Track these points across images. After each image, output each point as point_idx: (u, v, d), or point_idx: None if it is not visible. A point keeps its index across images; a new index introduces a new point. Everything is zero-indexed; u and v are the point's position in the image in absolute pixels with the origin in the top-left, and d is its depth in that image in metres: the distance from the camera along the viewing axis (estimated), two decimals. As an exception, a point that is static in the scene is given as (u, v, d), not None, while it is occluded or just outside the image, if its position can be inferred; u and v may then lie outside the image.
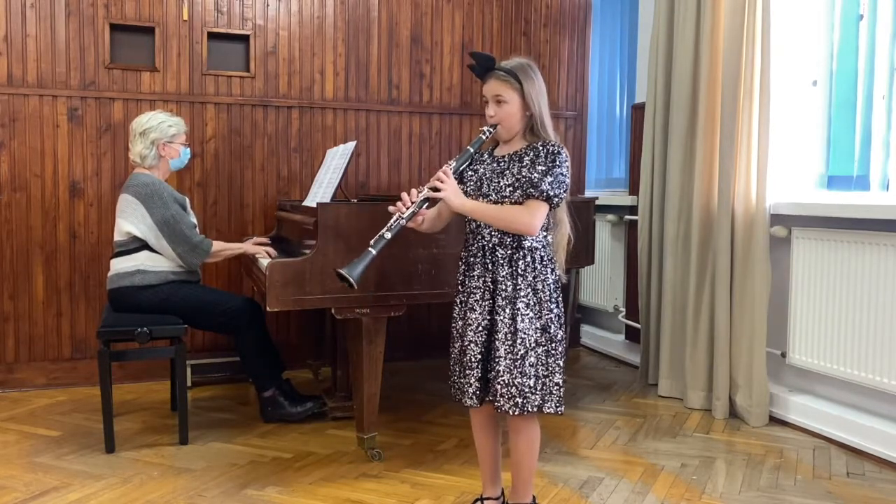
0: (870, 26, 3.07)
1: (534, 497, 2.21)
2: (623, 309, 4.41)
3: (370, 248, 1.98)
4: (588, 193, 4.70)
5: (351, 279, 1.94)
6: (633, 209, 4.18)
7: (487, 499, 2.26)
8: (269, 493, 2.48)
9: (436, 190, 2.00)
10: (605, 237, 4.52)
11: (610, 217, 4.46)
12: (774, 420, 3.23)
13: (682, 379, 3.54)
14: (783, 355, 3.25)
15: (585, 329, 4.77)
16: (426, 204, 2.04)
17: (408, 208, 2.01)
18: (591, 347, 4.66)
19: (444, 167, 2.04)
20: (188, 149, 3.23)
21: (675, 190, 3.55)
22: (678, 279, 3.55)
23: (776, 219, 3.24)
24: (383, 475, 2.64)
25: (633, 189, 4.23)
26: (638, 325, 3.97)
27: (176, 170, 3.25)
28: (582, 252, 3.40)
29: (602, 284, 4.61)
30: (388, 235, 1.98)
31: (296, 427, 3.12)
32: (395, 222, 2.00)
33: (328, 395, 3.32)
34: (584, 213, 3.44)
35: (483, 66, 2.08)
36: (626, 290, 4.37)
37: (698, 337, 3.43)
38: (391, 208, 2.06)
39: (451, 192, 2.01)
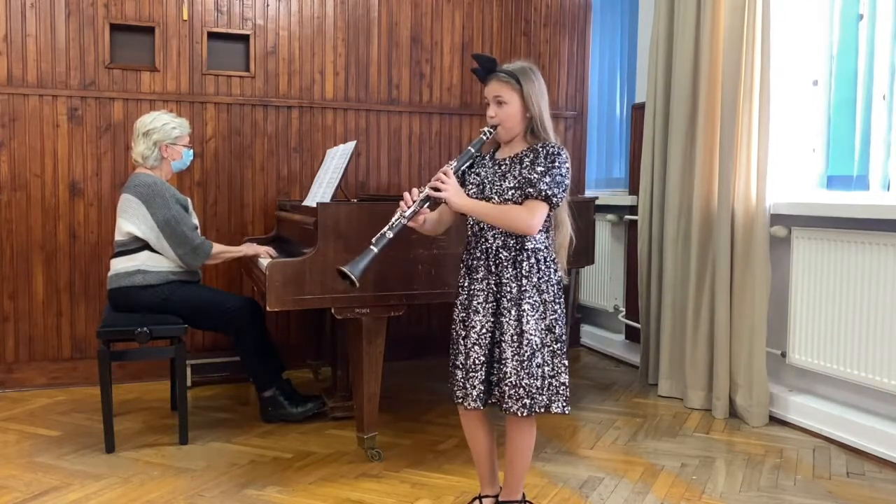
0: (870, 26, 3.07)
1: (523, 494, 2.23)
2: (623, 309, 4.41)
3: (372, 247, 2.00)
4: (588, 193, 4.70)
5: (353, 276, 1.96)
6: (633, 209, 4.18)
7: (486, 497, 2.26)
8: (269, 493, 2.48)
9: (436, 190, 2.01)
10: (605, 237, 4.52)
11: (610, 217, 4.46)
12: (774, 420, 3.23)
13: (682, 379, 3.54)
14: (783, 355, 3.25)
15: (585, 329, 4.77)
16: (427, 203, 2.05)
17: (409, 207, 2.03)
18: (591, 347, 4.66)
19: (444, 167, 2.06)
20: (191, 150, 3.23)
21: (675, 190, 3.55)
22: (678, 279, 3.55)
23: (776, 219, 3.24)
24: (383, 475, 2.64)
25: (633, 189, 4.23)
26: (638, 325, 3.97)
27: (178, 171, 3.25)
28: (582, 252, 3.40)
29: (602, 284, 4.61)
30: (390, 234, 2.00)
31: (296, 427, 3.12)
32: (396, 221, 2.02)
33: (328, 395, 3.32)
34: (584, 213, 3.44)
35: (485, 68, 2.10)
36: (626, 290, 4.37)
37: (698, 337, 3.43)
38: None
39: (453, 192, 2.02)
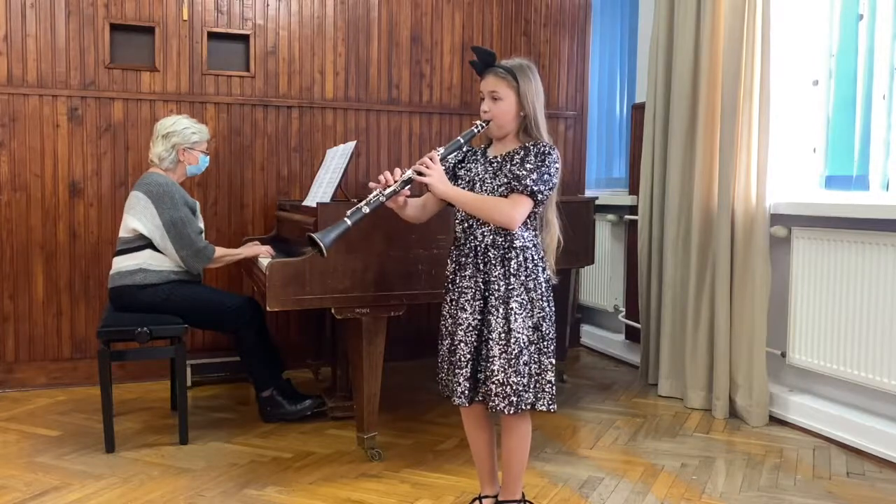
0: (870, 26, 3.07)
1: (523, 494, 2.23)
2: (623, 309, 4.41)
3: (346, 219, 1.99)
4: (588, 193, 4.70)
5: (322, 245, 1.95)
6: (633, 209, 4.18)
7: (486, 497, 2.27)
8: (269, 493, 2.48)
9: (420, 174, 2.02)
10: (605, 237, 4.52)
11: (610, 217, 4.46)
12: (774, 420, 3.23)
13: (682, 379, 3.54)
14: (783, 355, 3.25)
15: (585, 329, 4.76)
16: (408, 185, 2.06)
17: (389, 186, 2.03)
18: (591, 347, 4.66)
19: (431, 153, 2.06)
20: (207, 157, 3.24)
21: (675, 190, 3.55)
22: (678, 279, 3.55)
23: (776, 219, 3.24)
24: (383, 475, 2.64)
25: (633, 189, 4.23)
26: (638, 325, 3.97)
27: (192, 176, 3.27)
28: (582, 252, 3.40)
29: (602, 284, 4.61)
30: (366, 209, 2.01)
31: (296, 427, 3.12)
32: (374, 198, 2.03)
33: (328, 395, 3.32)
34: (584, 213, 3.45)
35: (483, 62, 2.09)
36: (626, 290, 4.37)
37: (698, 337, 3.43)
38: (371, 184, 2.09)
39: (436, 178, 2.02)
